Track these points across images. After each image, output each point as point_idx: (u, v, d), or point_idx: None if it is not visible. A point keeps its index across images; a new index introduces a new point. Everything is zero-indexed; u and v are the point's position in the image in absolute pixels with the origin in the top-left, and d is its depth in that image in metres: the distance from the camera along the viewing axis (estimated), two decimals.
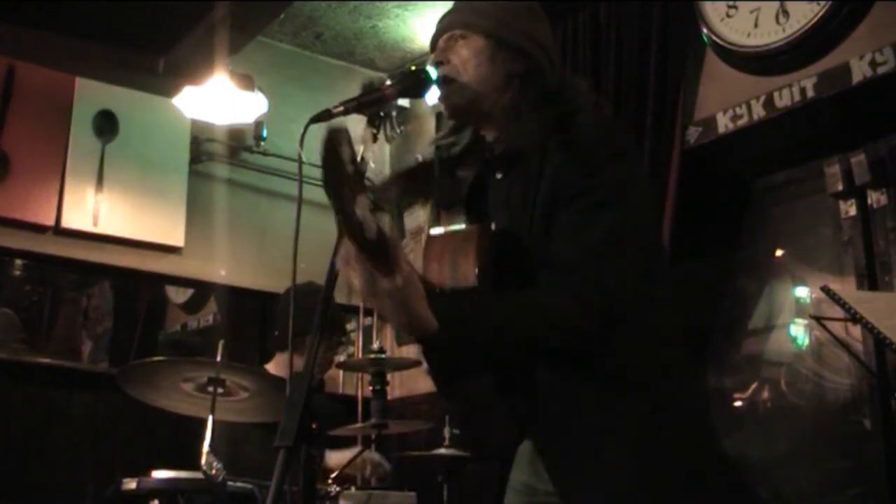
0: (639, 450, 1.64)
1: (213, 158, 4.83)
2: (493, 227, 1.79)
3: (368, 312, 5.10)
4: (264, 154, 4.90)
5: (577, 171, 1.66)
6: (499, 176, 1.83)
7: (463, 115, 1.86)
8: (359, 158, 1.35)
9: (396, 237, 1.47)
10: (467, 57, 1.81)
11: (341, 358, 3.90)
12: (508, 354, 1.62)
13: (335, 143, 1.26)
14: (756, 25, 3.46)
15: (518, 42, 1.83)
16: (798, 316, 3.76)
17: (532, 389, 1.71)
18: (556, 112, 1.75)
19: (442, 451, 3.50)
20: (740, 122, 3.54)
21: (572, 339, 1.58)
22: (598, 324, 1.58)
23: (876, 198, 3.34)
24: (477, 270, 1.67)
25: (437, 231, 1.78)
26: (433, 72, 1.82)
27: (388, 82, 1.81)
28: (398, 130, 5.24)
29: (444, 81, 1.81)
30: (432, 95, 1.86)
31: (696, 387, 1.76)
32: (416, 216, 5.08)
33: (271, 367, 3.62)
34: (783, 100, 3.40)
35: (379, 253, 1.37)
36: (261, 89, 4.36)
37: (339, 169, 1.27)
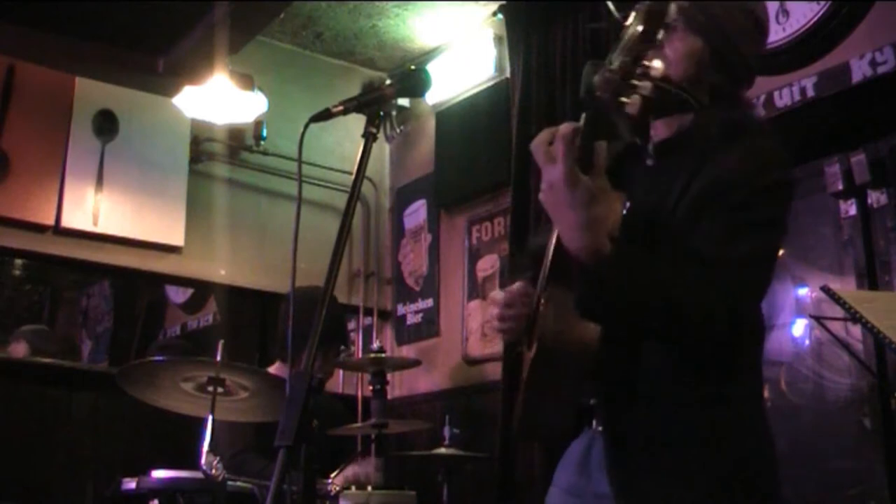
0: (706, 449, 1.65)
1: (212, 158, 4.83)
2: (628, 205, 1.70)
3: (368, 312, 5.11)
4: (264, 154, 4.90)
5: (747, 183, 1.64)
6: (649, 163, 1.80)
7: (657, 116, 1.78)
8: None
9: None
10: (682, 55, 1.74)
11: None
12: (644, 318, 1.59)
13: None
14: None
15: (729, 56, 1.77)
16: (798, 316, 3.76)
17: (626, 371, 1.68)
18: (731, 121, 1.73)
19: (442, 450, 3.50)
20: None
21: (703, 327, 1.57)
22: (725, 324, 1.56)
23: (876, 198, 3.34)
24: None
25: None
26: (655, 63, 1.50)
27: (388, 82, 1.81)
28: (398, 130, 5.25)
29: (659, 80, 1.54)
30: (431, 94, 1.85)
31: (761, 409, 1.78)
32: (417, 215, 5.09)
33: (273, 371, 3.62)
34: (783, 100, 3.40)
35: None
36: (261, 89, 4.36)
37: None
